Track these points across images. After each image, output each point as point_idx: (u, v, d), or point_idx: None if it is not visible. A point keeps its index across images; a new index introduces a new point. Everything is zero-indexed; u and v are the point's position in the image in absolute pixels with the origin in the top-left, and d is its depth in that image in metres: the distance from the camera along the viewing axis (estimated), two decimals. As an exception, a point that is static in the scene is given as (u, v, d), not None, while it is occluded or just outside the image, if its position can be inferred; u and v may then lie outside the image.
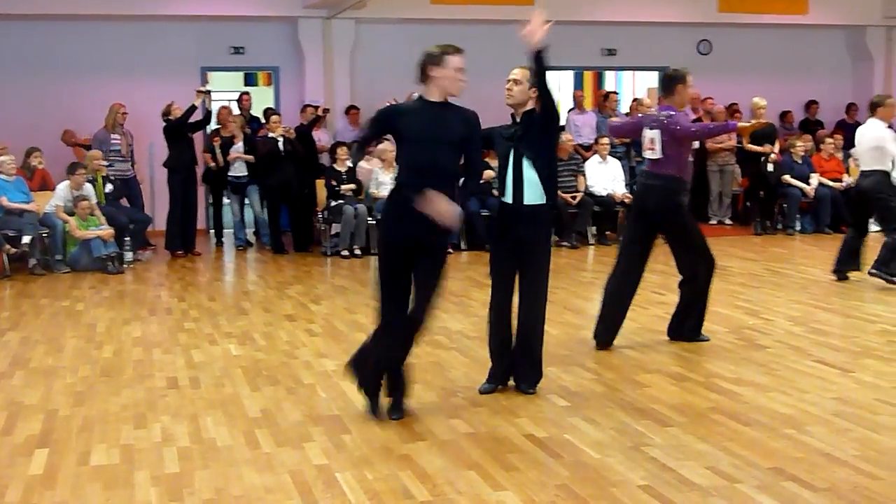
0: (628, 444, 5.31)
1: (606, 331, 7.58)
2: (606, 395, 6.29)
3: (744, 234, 14.68)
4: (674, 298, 7.86)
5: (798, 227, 14.78)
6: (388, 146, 12.61)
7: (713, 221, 15.56)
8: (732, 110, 16.09)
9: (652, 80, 18.11)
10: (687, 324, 7.69)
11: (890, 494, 4.53)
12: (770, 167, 14.69)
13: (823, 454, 5.08)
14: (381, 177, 12.98)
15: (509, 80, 6.11)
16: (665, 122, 7.33)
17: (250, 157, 13.67)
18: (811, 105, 17.44)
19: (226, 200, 14.43)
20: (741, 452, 5.12)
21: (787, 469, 4.85)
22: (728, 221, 15.61)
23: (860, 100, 16.35)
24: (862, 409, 5.88)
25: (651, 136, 7.41)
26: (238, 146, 13.83)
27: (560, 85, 17.88)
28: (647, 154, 7.50)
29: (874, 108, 10.22)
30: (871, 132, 10.07)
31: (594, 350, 7.45)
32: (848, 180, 14.47)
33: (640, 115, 7.53)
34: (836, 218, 14.56)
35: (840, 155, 15.39)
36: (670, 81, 7.52)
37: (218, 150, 13.92)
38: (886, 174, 10.05)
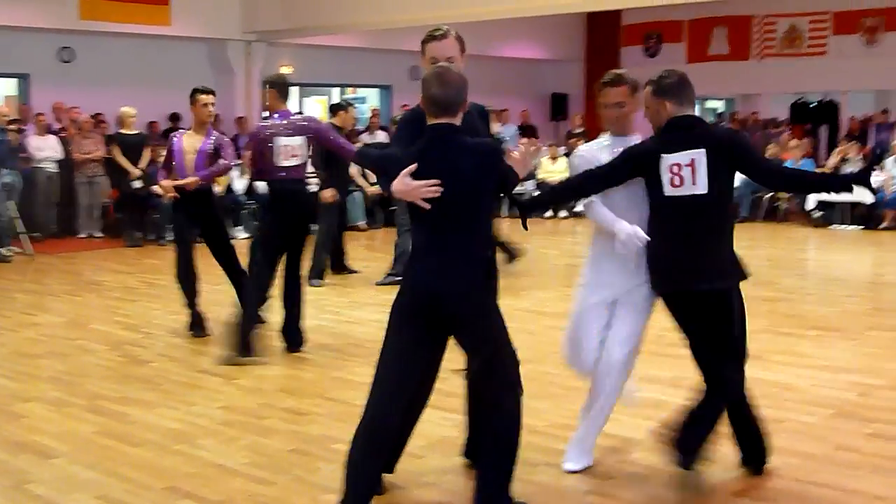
0: (9, 483, 4.84)
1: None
2: (-22, 432, 5.71)
3: (115, 246, 14.34)
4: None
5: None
6: None
7: (83, 234, 15.05)
8: (98, 119, 15.69)
9: (10, 87, 17.06)
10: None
11: (283, 498, 4.61)
12: (138, 184, 14.40)
13: (216, 466, 5.04)
14: None
15: None
16: (313, 127, 7.58)
17: None
18: (179, 116, 17.53)
19: None
20: (132, 475, 4.91)
21: (181, 486, 4.74)
22: (98, 234, 15.19)
23: (225, 112, 16.78)
24: (248, 415, 5.95)
25: (294, 142, 7.40)
26: None
27: None
28: (287, 161, 7.40)
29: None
30: None
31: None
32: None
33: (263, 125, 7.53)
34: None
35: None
36: (286, 86, 7.62)
37: None
38: None
